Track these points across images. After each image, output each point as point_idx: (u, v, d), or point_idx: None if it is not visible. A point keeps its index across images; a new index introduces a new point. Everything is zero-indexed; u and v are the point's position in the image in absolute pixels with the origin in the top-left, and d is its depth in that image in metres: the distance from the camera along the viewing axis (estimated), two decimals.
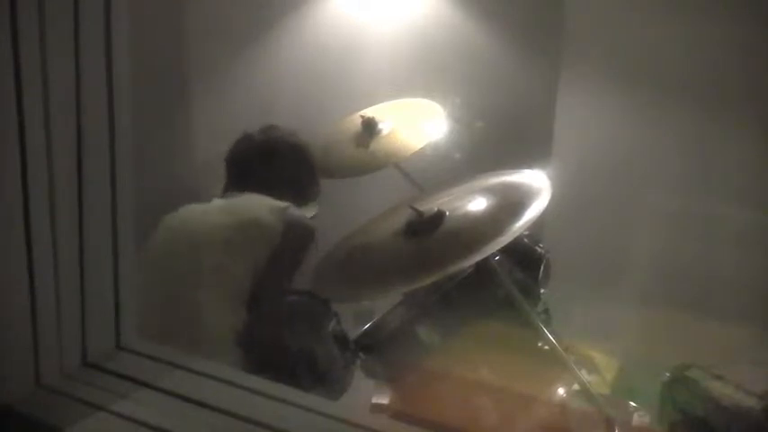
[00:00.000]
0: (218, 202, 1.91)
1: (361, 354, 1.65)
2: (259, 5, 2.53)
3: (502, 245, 1.41)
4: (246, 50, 2.58)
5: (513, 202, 1.53)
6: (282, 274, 1.76)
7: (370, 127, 2.11)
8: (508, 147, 2.38)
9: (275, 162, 1.92)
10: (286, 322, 1.85)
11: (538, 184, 1.55)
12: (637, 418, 1.73)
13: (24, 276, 0.84)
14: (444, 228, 1.50)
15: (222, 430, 0.85)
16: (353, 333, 1.68)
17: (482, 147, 2.38)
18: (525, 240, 1.71)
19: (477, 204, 1.57)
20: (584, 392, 1.55)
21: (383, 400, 1.68)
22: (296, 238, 1.77)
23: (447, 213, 1.52)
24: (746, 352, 1.98)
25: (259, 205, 1.81)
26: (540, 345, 1.55)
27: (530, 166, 1.67)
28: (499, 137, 2.42)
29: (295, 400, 0.90)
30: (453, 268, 1.46)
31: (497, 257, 1.57)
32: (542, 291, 1.69)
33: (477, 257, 1.42)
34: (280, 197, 1.87)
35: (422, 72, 2.54)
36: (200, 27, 2.45)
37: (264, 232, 1.74)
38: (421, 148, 2.06)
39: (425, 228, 1.51)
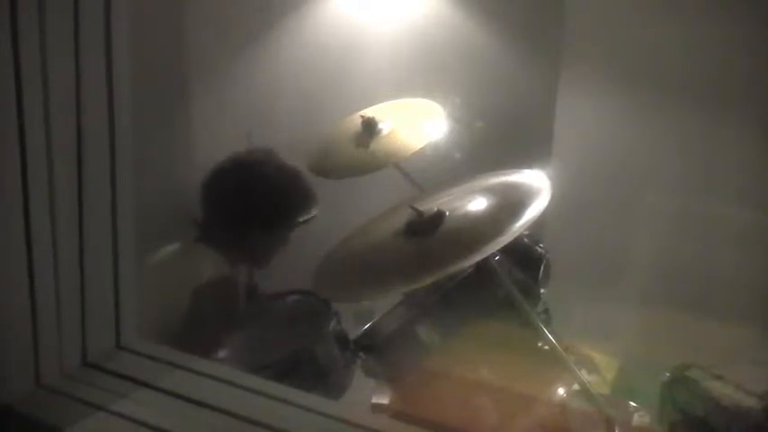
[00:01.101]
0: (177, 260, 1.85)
1: (361, 354, 1.65)
2: (259, 5, 2.53)
3: (502, 245, 1.41)
4: (246, 50, 2.58)
5: (513, 202, 1.53)
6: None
7: (370, 127, 2.10)
8: (508, 147, 2.38)
9: (260, 191, 1.83)
10: (286, 322, 1.85)
11: (538, 184, 1.55)
12: (637, 418, 1.73)
13: (24, 276, 0.85)
14: (444, 228, 1.50)
15: (222, 430, 0.85)
16: (353, 333, 1.68)
17: (482, 147, 2.38)
18: (525, 240, 1.71)
19: (477, 204, 1.57)
20: (584, 392, 1.55)
21: (383, 400, 1.67)
22: None
23: (447, 213, 1.52)
24: (746, 352, 1.98)
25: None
26: (540, 345, 1.55)
27: (530, 166, 1.67)
28: (499, 137, 2.42)
29: (295, 400, 0.90)
30: (453, 268, 1.45)
31: (497, 257, 1.57)
32: (542, 291, 1.69)
33: (477, 257, 1.42)
34: (273, 223, 1.84)
35: (422, 72, 2.54)
36: (200, 27, 2.44)
37: None
38: (421, 148, 2.06)
39: (425, 228, 1.51)
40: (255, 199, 1.81)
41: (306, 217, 1.91)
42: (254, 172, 1.87)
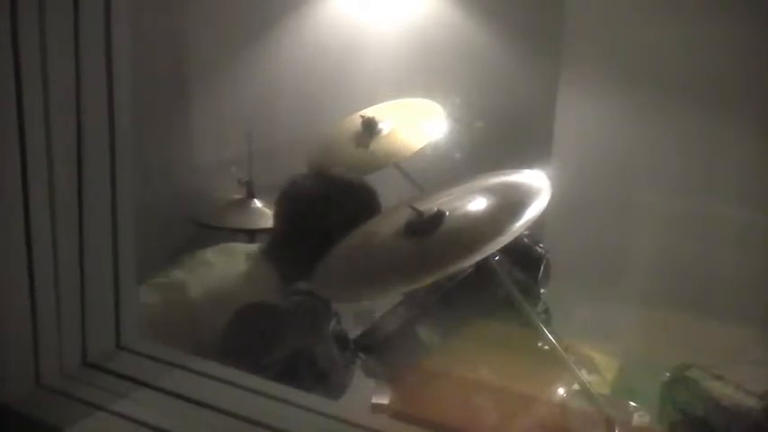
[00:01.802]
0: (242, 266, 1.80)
1: (361, 354, 1.65)
2: (259, 5, 2.53)
3: (502, 245, 1.41)
4: (246, 50, 2.58)
5: (513, 202, 1.53)
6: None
7: (370, 127, 2.11)
8: (508, 147, 2.38)
9: (340, 206, 1.79)
10: (286, 322, 1.85)
11: (538, 184, 1.55)
12: (637, 418, 1.73)
13: (24, 276, 0.84)
14: (444, 228, 1.50)
15: (222, 430, 0.85)
16: (353, 333, 1.68)
17: (482, 147, 2.39)
18: (525, 240, 1.71)
19: (477, 204, 1.56)
20: (584, 392, 1.55)
21: (383, 400, 1.68)
22: None
23: (447, 213, 1.52)
24: (746, 352, 1.98)
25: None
26: (540, 345, 1.55)
27: (530, 166, 1.67)
28: (499, 137, 2.43)
29: (295, 400, 0.90)
30: (453, 268, 1.45)
31: (497, 257, 1.57)
32: (542, 291, 1.69)
33: (477, 257, 1.42)
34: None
35: (422, 72, 2.54)
36: (200, 27, 2.45)
37: None
38: (421, 148, 2.06)
39: (425, 228, 1.51)
40: (336, 213, 1.77)
41: None
42: (334, 186, 1.83)
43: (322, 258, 1.72)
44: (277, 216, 1.88)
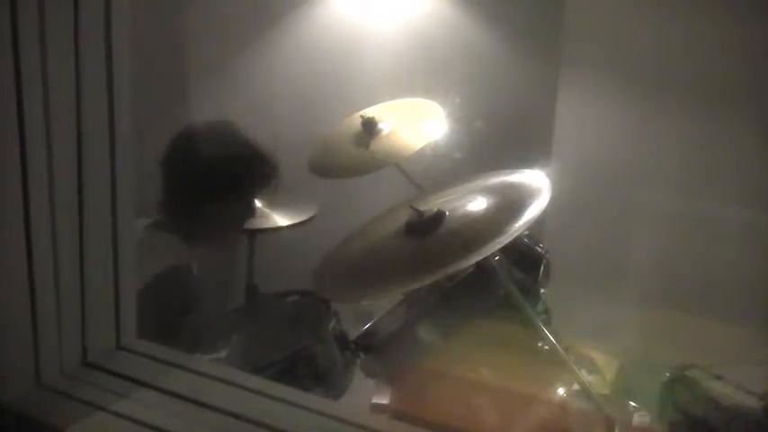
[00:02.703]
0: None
1: (361, 354, 1.65)
2: (259, 5, 2.53)
3: (502, 245, 1.41)
4: (246, 50, 2.58)
5: (513, 202, 1.53)
6: None
7: (370, 127, 2.10)
8: (508, 147, 2.38)
9: (214, 162, 1.77)
10: (286, 322, 1.86)
11: (538, 184, 1.55)
12: (637, 418, 1.73)
13: (24, 276, 0.84)
14: (444, 228, 1.50)
15: (222, 430, 0.85)
16: (353, 333, 1.68)
17: (482, 147, 2.38)
18: (525, 240, 1.72)
19: (477, 204, 1.57)
20: (585, 392, 1.55)
21: (383, 400, 1.68)
22: None
23: (447, 213, 1.52)
24: (746, 352, 1.98)
25: None
26: (540, 345, 1.55)
27: (530, 166, 1.67)
28: (499, 137, 2.42)
29: (295, 400, 0.90)
30: (453, 268, 1.45)
31: (497, 257, 1.57)
32: (542, 291, 1.70)
33: (477, 257, 1.42)
34: (232, 194, 1.81)
35: (422, 72, 2.54)
36: (200, 27, 2.45)
37: None
38: (421, 148, 2.06)
39: (425, 228, 1.51)
40: (210, 171, 1.77)
41: (268, 185, 1.88)
42: (205, 143, 1.82)
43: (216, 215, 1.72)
44: (164, 180, 1.82)
